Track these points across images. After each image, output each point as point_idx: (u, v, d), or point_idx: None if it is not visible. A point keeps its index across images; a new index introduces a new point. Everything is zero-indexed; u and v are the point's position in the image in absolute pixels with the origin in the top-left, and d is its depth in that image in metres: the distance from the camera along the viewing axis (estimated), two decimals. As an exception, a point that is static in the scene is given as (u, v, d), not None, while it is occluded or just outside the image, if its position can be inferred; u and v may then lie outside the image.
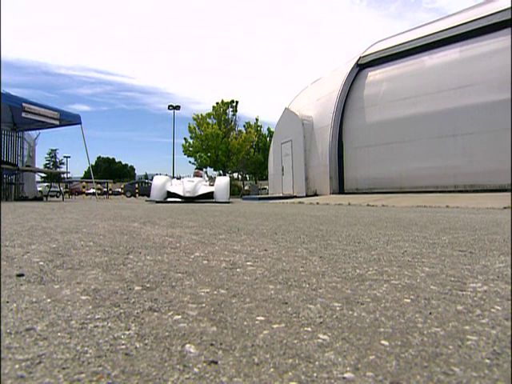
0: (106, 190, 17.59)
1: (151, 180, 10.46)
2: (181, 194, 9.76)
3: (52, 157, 70.77)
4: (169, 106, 34.27)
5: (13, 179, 10.58)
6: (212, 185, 10.75)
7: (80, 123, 10.98)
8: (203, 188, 10.18)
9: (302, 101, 15.07)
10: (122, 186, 29.72)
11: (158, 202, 9.74)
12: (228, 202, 9.53)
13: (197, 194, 9.86)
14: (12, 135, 10.84)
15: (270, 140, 19.86)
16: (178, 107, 34.33)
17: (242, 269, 1.21)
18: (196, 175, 11.63)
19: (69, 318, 0.72)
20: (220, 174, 29.10)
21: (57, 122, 10.25)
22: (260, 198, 12.91)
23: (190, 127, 31.17)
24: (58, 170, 57.19)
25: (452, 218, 3.47)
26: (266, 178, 24.11)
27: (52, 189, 17.61)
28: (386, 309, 0.80)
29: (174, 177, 12.47)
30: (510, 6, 8.90)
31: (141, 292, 0.92)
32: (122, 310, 0.78)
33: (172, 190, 9.95)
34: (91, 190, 19.63)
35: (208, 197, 9.92)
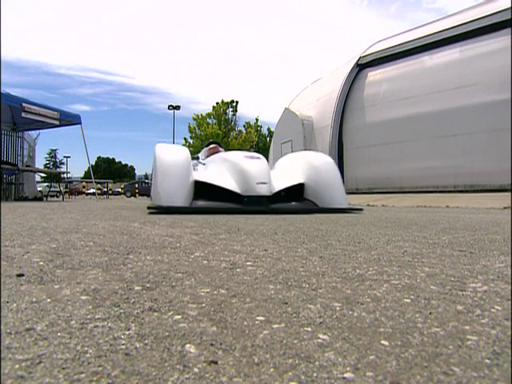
0: (105, 189, 17.60)
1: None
2: (237, 191, 4.16)
3: (52, 157, 70.87)
4: (169, 106, 34.32)
5: (13, 179, 10.58)
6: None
7: (80, 123, 10.98)
8: (285, 180, 4.65)
9: (302, 101, 15.08)
10: (122, 186, 29.73)
11: (172, 210, 3.81)
12: (354, 209, 4.78)
13: (276, 191, 4.36)
14: (12, 135, 10.84)
15: (270, 140, 19.86)
16: (178, 107, 34.38)
17: (242, 269, 1.20)
18: (213, 153, 5.73)
19: (69, 318, 0.72)
20: None
21: (57, 122, 10.24)
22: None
23: (189, 127, 31.22)
24: (58, 169, 57.16)
25: (452, 218, 3.47)
26: (266, 178, 24.03)
27: (52, 189, 17.61)
28: (385, 309, 0.80)
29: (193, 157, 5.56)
30: (510, 5, 8.90)
31: (141, 292, 0.92)
32: (121, 310, 0.78)
33: (216, 183, 4.26)
34: (91, 190, 19.62)
35: (292, 196, 4.66)
